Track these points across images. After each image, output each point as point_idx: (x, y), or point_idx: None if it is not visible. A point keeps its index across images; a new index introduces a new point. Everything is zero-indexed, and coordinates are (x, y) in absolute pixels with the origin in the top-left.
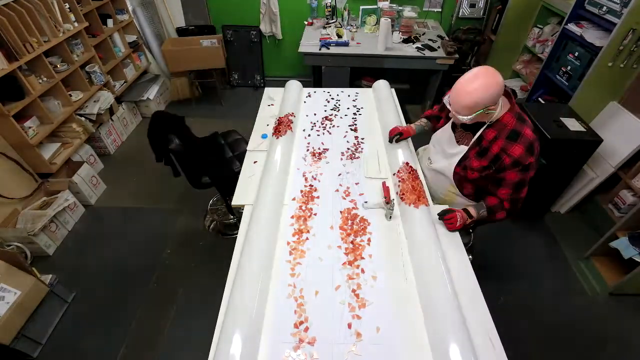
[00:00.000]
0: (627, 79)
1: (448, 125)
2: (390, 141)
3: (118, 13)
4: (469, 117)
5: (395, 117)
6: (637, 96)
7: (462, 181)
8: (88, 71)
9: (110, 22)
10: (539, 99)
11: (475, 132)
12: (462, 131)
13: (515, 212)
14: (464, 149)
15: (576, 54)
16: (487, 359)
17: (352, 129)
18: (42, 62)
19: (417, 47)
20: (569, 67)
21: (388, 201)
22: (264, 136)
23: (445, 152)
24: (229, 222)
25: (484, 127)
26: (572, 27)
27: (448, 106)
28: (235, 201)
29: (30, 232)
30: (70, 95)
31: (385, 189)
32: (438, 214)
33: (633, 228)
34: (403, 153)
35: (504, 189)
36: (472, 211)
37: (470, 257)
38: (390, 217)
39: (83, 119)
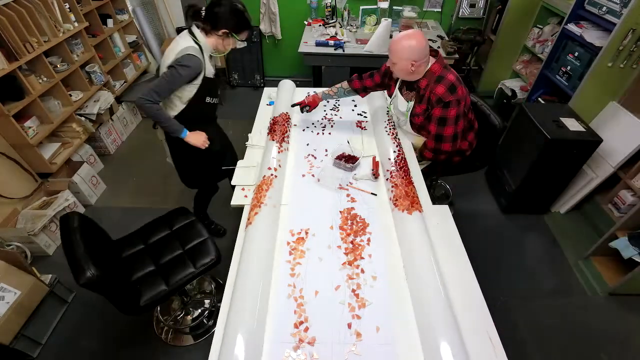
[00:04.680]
0: (626, 79)
1: (396, 91)
2: (302, 111)
3: (118, 13)
4: (395, 67)
5: (383, 112)
6: (636, 96)
7: (419, 129)
8: (88, 71)
9: (110, 22)
10: (539, 99)
11: (416, 89)
12: (408, 92)
13: (440, 150)
14: (411, 104)
15: (576, 54)
16: (486, 359)
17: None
18: (42, 62)
19: None
20: (568, 67)
21: (376, 174)
22: (271, 103)
23: (400, 111)
24: (189, 325)
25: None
26: (572, 27)
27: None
28: (235, 201)
29: (30, 232)
30: (70, 95)
31: (375, 164)
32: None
33: (632, 228)
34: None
35: (432, 124)
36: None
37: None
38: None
39: (83, 118)
